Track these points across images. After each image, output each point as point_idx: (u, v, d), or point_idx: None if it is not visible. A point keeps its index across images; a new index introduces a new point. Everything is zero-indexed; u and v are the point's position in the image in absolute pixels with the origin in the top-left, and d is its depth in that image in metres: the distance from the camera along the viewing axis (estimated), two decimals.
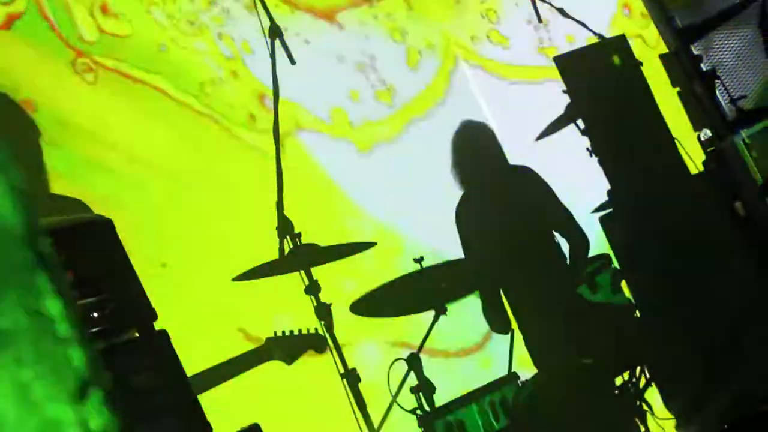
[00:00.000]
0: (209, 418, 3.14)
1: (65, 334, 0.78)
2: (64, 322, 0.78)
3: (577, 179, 5.68)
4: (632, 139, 4.99)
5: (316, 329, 4.51)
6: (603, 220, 5.19)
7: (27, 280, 0.76)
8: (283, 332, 4.53)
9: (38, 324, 0.76)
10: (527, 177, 5.31)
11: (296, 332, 4.55)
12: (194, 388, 3.18)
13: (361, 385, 4.41)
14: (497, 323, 5.18)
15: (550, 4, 5.33)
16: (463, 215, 5.30)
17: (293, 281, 4.45)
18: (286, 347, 4.51)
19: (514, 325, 5.15)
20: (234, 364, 4.52)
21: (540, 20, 5.28)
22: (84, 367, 0.79)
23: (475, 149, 5.33)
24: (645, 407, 4.81)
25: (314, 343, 4.52)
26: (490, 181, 5.28)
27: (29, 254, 0.76)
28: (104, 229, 3.10)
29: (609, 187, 5.06)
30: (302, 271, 4.41)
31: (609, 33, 5.98)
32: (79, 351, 0.79)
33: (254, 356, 4.54)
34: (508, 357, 4.93)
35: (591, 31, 5.25)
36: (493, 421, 4.47)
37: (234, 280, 4.60)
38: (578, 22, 5.42)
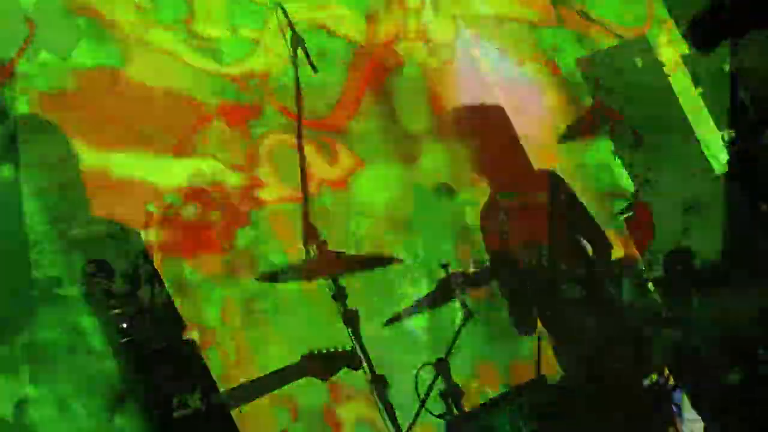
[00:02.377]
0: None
1: (100, 347, 0.80)
2: (98, 336, 0.80)
3: None
4: (656, 139, 4.98)
5: (352, 347, 4.52)
6: (628, 222, 5.18)
7: (62, 295, 0.78)
8: (319, 350, 4.53)
9: (74, 338, 0.78)
10: (551, 181, 5.30)
11: (332, 350, 4.55)
12: (230, 401, 3.20)
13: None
14: (523, 326, 5.17)
15: (571, 6, 5.32)
16: (488, 221, 5.29)
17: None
18: (321, 365, 4.51)
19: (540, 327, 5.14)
20: (269, 380, 4.53)
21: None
22: (119, 380, 0.81)
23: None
24: (674, 409, 4.79)
25: (349, 361, 4.52)
26: (514, 186, 5.27)
27: (63, 269, 0.78)
28: (133, 240, 3.11)
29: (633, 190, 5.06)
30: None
31: None
32: (113, 364, 0.81)
33: (289, 373, 4.54)
34: (537, 360, 4.92)
35: (612, 32, 5.23)
36: (522, 425, 4.46)
37: (258, 279, 4.69)
38: (600, 24, 5.41)
